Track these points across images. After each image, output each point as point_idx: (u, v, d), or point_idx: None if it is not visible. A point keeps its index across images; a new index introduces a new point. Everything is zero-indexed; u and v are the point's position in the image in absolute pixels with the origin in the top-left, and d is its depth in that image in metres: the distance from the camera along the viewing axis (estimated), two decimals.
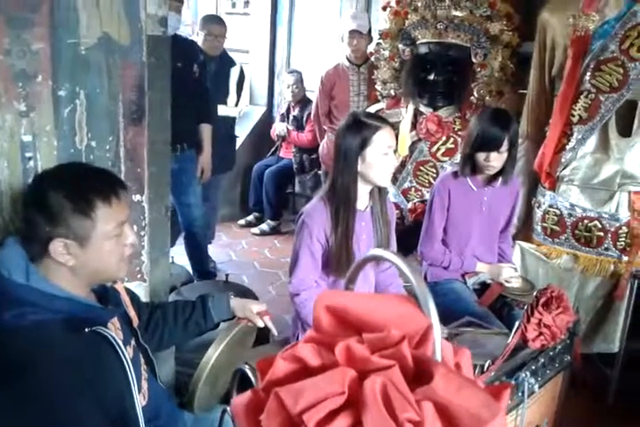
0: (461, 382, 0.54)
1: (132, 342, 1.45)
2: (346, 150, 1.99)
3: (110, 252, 1.31)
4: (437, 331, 0.59)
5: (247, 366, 1.08)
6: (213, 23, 3.87)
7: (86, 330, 1.22)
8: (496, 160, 2.38)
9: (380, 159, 1.98)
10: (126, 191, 1.35)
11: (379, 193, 2.12)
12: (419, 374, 0.57)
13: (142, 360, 1.48)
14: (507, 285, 2.48)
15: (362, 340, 0.60)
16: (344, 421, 0.55)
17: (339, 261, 2.03)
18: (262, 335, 1.97)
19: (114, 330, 1.34)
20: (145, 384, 1.42)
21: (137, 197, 1.74)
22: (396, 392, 0.54)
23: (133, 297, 1.62)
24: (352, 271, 0.76)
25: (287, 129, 4.91)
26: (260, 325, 1.68)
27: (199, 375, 1.53)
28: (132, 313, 1.53)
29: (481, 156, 2.40)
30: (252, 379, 1.02)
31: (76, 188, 1.25)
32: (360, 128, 1.97)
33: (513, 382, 1.57)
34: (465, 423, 0.55)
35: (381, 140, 1.98)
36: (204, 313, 1.67)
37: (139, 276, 1.82)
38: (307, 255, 2.04)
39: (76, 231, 1.24)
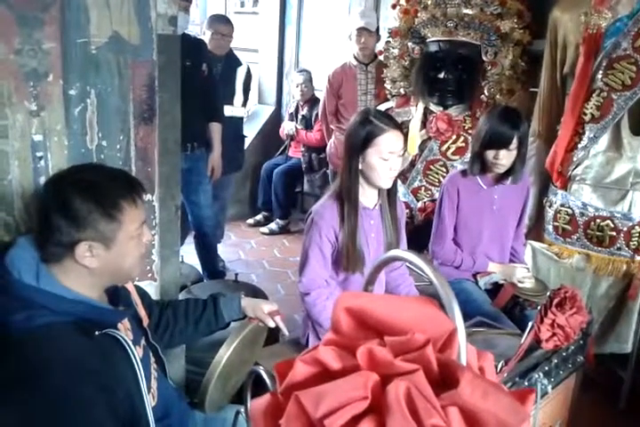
0: (487, 388, 0.52)
1: (142, 342, 1.45)
2: (350, 147, 1.98)
3: (133, 251, 1.32)
4: (462, 334, 0.58)
5: (262, 368, 1.06)
6: (220, 22, 3.86)
7: (97, 333, 1.22)
8: (505, 158, 2.37)
9: (378, 163, 1.94)
10: (144, 191, 1.36)
11: (387, 192, 2.09)
12: (443, 379, 0.55)
13: (152, 360, 1.47)
14: (519, 285, 2.45)
15: (384, 343, 0.58)
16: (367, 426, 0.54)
17: (347, 259, 2.02)
18: (272, 335, 1.96)
19: (124, 330, 1.34)
20: (154, 384, 1.42)
21: (147, 197, 1.73)
22: (421, 397, 0.52)
23: (144, 296, 1.62)
24: (371, 273, 0.75)
25: (296, 128, 4.90)
26: (272, 325, 1.67)
27: (211, 375, 1.52)
28: (143, 313, 1.53)
29: (490, 154, 2.38)
30: (267, 381, 1.01)
31: (101, 191, 1.25)
32: (366, 127, 1.94)
33: (526, 382, 1.55)
34: None
35: (384, 143, 1.93)
36: (215, 312, 1.67)
37: (149, 275, 1.82)
38: (316, 254, 2.02)
39: (103, 234, 1.24)
